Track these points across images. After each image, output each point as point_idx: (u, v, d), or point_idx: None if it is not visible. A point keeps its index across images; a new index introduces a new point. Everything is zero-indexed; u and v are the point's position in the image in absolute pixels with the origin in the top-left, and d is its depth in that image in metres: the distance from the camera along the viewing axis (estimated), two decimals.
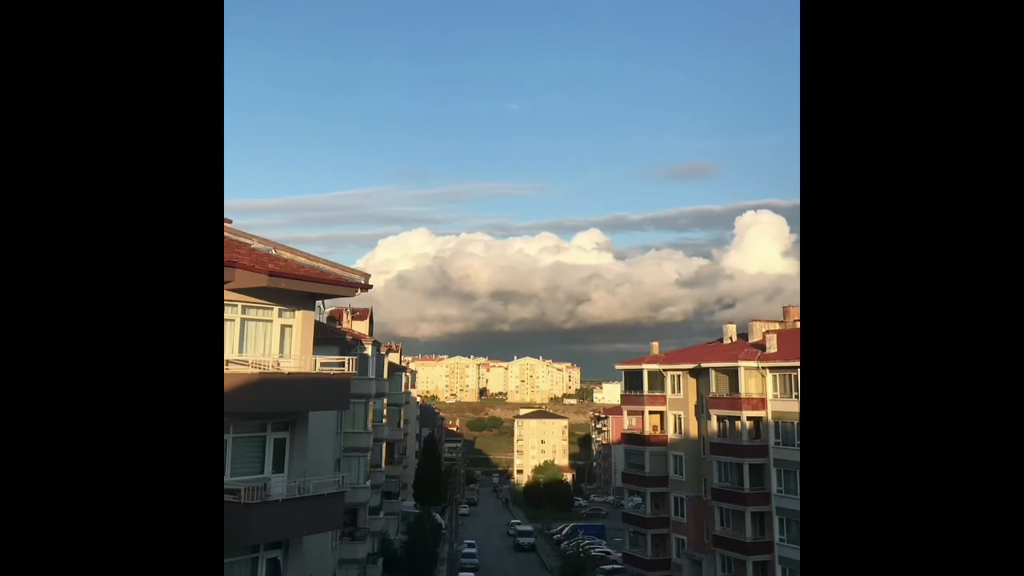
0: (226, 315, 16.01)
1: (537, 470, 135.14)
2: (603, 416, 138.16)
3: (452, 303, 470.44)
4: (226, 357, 15.34)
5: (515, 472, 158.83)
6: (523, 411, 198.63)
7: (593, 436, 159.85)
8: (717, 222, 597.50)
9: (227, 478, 15.57)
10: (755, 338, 48.67)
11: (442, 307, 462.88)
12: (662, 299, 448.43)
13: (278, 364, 16.97)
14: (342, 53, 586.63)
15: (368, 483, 39.09)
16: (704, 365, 48.75)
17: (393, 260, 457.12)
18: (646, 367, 53.65)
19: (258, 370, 16.25)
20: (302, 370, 17.43)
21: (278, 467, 17.41)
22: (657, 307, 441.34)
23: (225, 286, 15.21)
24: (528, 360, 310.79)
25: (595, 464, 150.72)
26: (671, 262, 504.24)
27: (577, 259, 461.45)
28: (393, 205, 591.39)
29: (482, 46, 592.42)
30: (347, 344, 33.55)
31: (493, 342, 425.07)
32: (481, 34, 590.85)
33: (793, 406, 41.69)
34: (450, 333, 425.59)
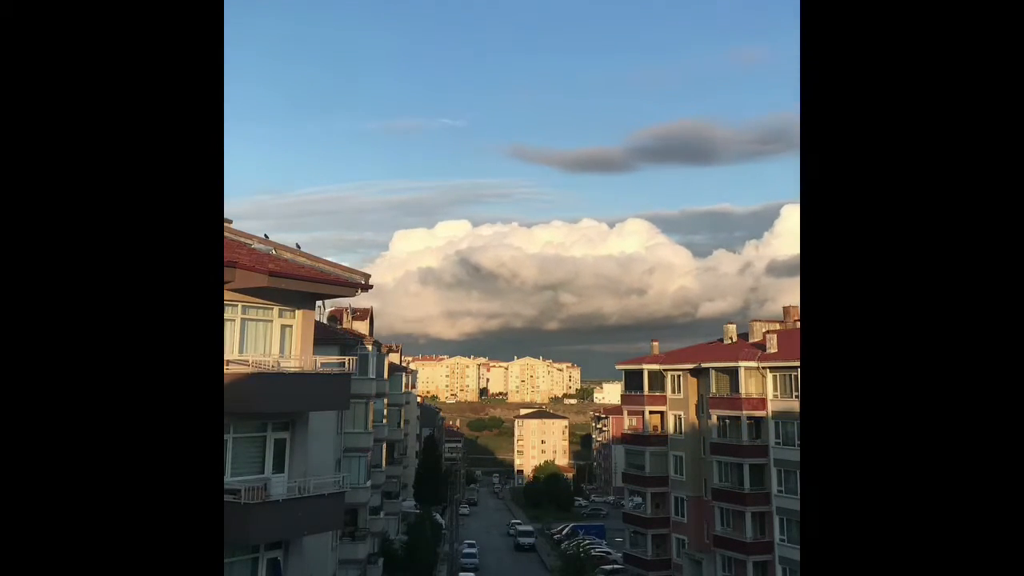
0: (226, 315, 16.00)
1: (537, 470, 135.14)
2: (603, 416, 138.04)
3: (484, 298, 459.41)
4: (226, 357, 15.34)
5: (516, 472, 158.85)
6: (523, 411, 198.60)
7: (593, 436, 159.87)
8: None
9: (227, 478, 15.56)
10: (755, 338, 48.69)
11: (475, 303, 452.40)
12: (729, 291, 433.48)
13: (278, 364, 16.96)
14: (340, 52, 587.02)
15: (368, 483, 39.08)
16: (704, 365, 48.76)
17: (405, 257, 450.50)
18: (646, 367, 53.66)
19: (258, 370, 16.25)
20: (302, 370, 17.43)
21: (278, 467, 17.39)
22: (710, 299, 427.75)
23: (225, 286, 15.20)
24: (528, 360, 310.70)
25: (595, 464, 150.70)
26: (729, 254, 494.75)
27: (630, 249, 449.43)
28: (388, 206, 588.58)
29: (453, 54, 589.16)
30: (347, 344, 33.53)
31: (516, 341, 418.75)
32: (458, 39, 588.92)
33: (793, 406, 41.68)
34: (485, 331, 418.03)
